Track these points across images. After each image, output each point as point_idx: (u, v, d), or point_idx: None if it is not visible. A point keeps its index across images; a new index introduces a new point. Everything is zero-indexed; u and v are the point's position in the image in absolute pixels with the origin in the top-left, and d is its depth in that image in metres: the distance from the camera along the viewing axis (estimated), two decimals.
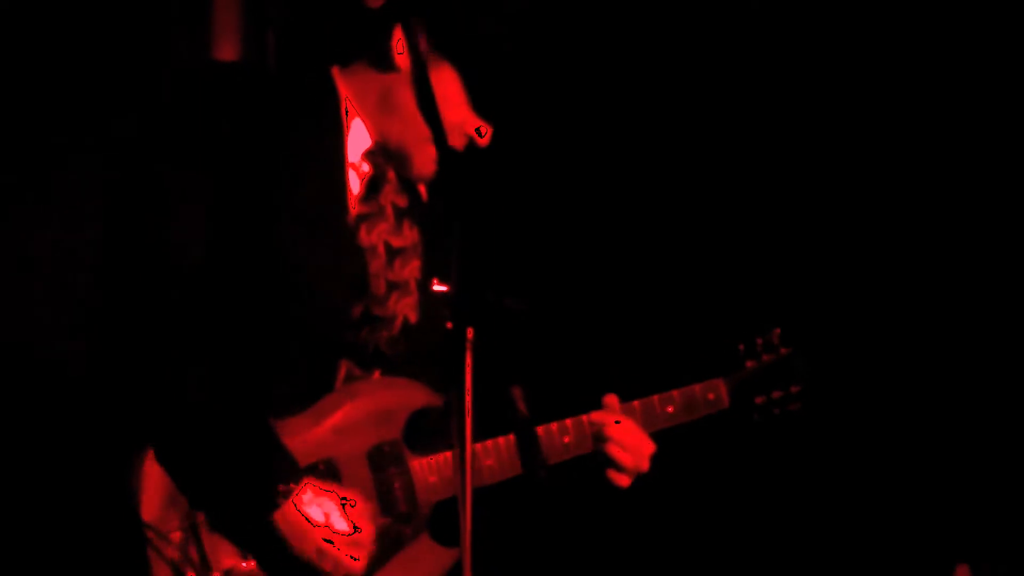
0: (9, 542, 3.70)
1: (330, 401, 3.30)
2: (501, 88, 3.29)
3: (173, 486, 3.15)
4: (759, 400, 3.64)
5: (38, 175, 3.85)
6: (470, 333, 2.84)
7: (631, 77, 4.47)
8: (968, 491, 4.52)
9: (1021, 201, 4.47)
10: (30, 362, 3.80)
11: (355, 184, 3.35)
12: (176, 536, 3.14)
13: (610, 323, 4.51)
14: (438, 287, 2.83)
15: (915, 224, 4.52)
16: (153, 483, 3.14)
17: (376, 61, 3.31)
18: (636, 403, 3.52)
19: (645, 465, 3.46)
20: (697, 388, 3.58)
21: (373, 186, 3.35)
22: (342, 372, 3.34)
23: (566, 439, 3.45)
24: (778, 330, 3.68)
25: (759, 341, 3.66)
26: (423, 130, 3.23)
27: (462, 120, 3.33)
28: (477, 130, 3.34)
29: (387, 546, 3.29)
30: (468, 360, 2.80)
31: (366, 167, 3.36)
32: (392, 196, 3.36)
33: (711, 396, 3.59)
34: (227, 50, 3.99)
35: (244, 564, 3.17)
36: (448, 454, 3.34)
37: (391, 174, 3.36)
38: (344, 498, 3.20)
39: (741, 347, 3.66)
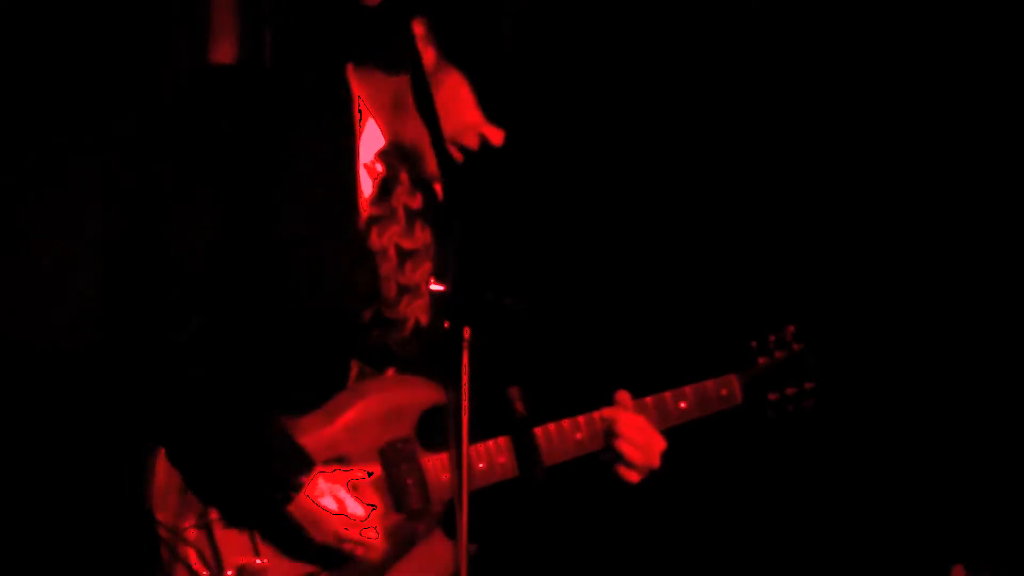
0: (24, 542, 3.76)
1: (342, 399, 3.32)
2: (502, 87, 3.28)
3: (184, 484, 3.19)
4: (773, 396, 3.67)
5: (39, 175, 3.88)
6: (467, 333, 2.88)
7: (637, 74, 4.48)
8: (965, 492, 4.51)
9: None
10: (42, 363, 3.84)
11: (367, 186, 3.35)
12: (189, 534, 3.18)
13: (623, 321, 4.52)
14: (435, 286, 2.86)
15: (927, 222, 4.51)
16: (165, 481, 3.18)
17: (386, 64, 3.31)
18: (648, 399, 3.55)
19: (656, 462, 3.49)
20: (710, 384, 3.61)
21: (385, 188, 3.36)
22: (354, 371, 3.37)
23: (578, 436, 3.47)
24: (792, 327, 3.70)
25: (772, 338, 3.68)
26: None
27: (476, 120, 3.33)
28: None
29: (400, 543, 3.33)
30: (465, 359, 2.84)
31: (379, 167, 3.36)
32: (404, 198, 3.37)
33: (724, 392, 3.61)
34: (225, 50, 4.01)
35: (257, 561, 3.22)
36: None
37: (403, 175, 3.37)
38: (352, 481, 3.24)
39: (753, 344, 3.68)
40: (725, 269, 4.58)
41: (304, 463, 3.22)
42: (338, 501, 3.22)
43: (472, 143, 3.33)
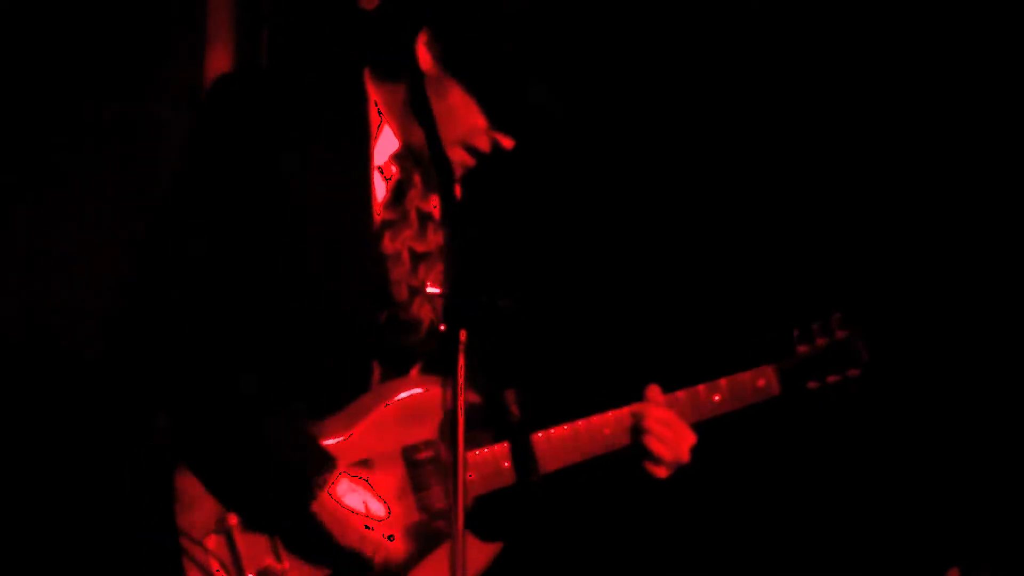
0: (47, 553, 3.82)
1: (365, 401, 3.34)
2: (501, 89, 3.26)
3: (206, 489, 3.22)
4: (813, 386, 3.58)
5: (44, 175, 3.93)
6: (463, 335, 2.86)
7: (639, 74, 4.44)
8: (962, 494, 4.42)
9: None
10: (64, 370, 3.90)
11: (380, 189, 3.36)
12: (210, 540, 3.21)
13: (657, 313, 4.48)
14: (431, 289, 2.84)
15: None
16: (186, 488, 3.21)
17: (390, 69, 3.32)
18: (680, 393, 3.50)
19: (685, 457, 3.44)
20: (746, 375, 3.54)
21: (399, 191, 3.37)
22: (377, 373, 3.38)
23: (606, 431, 3.44)
24: (838, 314, 3.61)
25: (815, 327, 3.60)
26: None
27: (485, 125, 3.31)
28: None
29: (424, 543, 3.33)
30: (461, 362, 2.83)
31: (394, 170, 3.37)
32: (417, 201, 3.38)
33: (761, 383, 3.54)
34: (223, 50, 4.03)
35: (278, 565, 3.24)
36: (484, 450, 3.37)
37: (417, 178, 3.37)
38: (375, 481, 3.25)
39: (795, 332, 3.60)
40: (761, 262, 4.52)
41: (328, 463, 3.23)
42: (362, 501, 3.23)
43: (484, 146, 3.32)
